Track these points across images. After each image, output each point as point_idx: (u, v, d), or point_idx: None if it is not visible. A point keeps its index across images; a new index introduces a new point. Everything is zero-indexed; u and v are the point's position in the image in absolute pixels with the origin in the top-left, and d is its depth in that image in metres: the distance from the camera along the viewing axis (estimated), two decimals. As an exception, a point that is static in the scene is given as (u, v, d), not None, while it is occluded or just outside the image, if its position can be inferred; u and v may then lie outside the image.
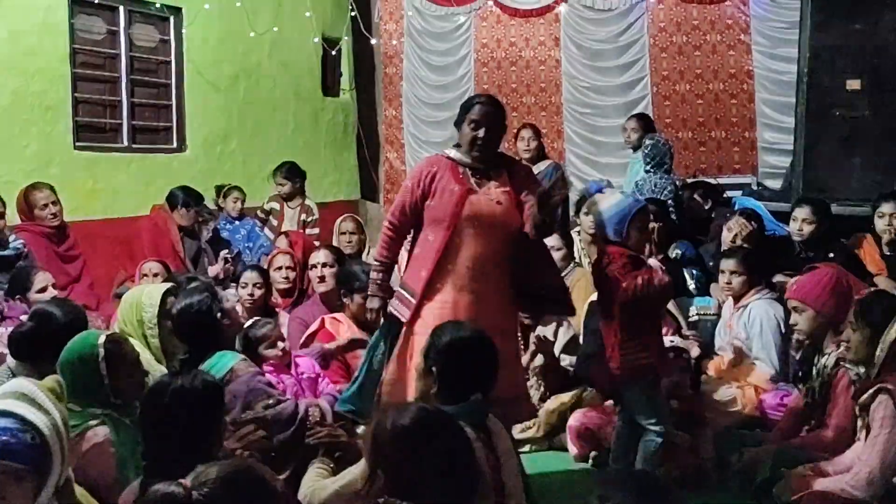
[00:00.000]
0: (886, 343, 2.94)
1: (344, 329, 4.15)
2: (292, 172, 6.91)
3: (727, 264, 4.68)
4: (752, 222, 5.23)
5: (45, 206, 5.33)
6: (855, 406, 3.06)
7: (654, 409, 3.54)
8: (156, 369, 3.46)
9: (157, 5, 6.86)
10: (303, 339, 4.38)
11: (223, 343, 3.52)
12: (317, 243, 6.03)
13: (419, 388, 2.68)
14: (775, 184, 7.45)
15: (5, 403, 2.08)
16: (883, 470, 2.86)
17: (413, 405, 2.18)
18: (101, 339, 2.93)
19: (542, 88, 8.89)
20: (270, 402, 3.31)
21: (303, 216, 6.87)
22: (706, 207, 6.27)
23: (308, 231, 6.79)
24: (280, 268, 5.28)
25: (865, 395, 2.93)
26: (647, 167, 6.07)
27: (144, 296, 3.78)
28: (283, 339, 4.00)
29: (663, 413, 3.58)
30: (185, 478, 2.03)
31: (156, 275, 4.97)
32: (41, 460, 2.09)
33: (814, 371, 3.57)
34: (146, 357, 3.47)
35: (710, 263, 5.32)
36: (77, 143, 6.31)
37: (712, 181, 7.05)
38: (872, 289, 3.61)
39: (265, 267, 5.33)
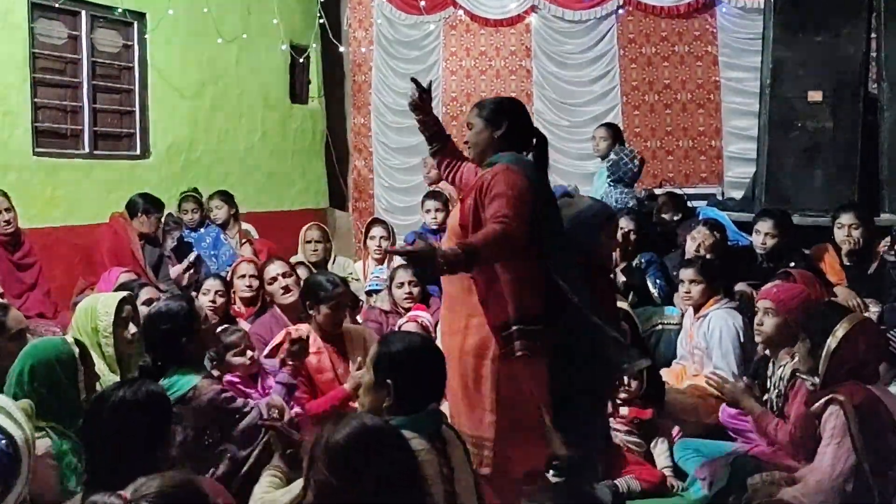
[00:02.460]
0: (827, 356, 2.96)
1: (310, 341, 4.09)
2: (229, 196, 6.79)
3: (686, 273, 4.71)
4: (715, 232, 5.27)
5: (-2, 212, 5.26)
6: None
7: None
8: (109, 379, 3.40)
9: (120, 10, 6.78)
10: (266, 350, 4.31)
11: (194, 354, 3.43)
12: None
13: (368, 402, 2.61)
14: (741, 194, 7.51)
15: (-17, 412, 2.10)
16: (832, 480, 2.87)
17: (354, 419, 2.12)
18: (71, 340, 2.91)
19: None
20: (237, 417, 3.29)
21: (245, 243, 6.67)
22: (675, 219, 6.30)
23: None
24: (244, 276, 5.21)
25: (817, 405, 2.95)
26: (609, 180, 6.10)
27: (100, 304, 3.70)
28: (252, 349, 3.95)
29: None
30: (125, 489, 2.00)
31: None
32: (10, 468, 2.16)
33: (769, 383, 3.60)
34: (100, 367, 3.41)
35: (674, 273, 5.35)
36: (36, 149, 6.21)
37: (678, 191, 7.10)
38: (820, 301, 3.64)
39: (229, 275, 5.28)
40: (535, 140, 3.21)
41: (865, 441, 2.84)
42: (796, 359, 3.41)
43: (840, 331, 2.98)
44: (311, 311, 4.11)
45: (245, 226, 6.91)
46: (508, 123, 3.15)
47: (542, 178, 3.17)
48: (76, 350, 2.89)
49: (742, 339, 4.41)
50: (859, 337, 2.99)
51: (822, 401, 2.93)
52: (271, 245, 6.63)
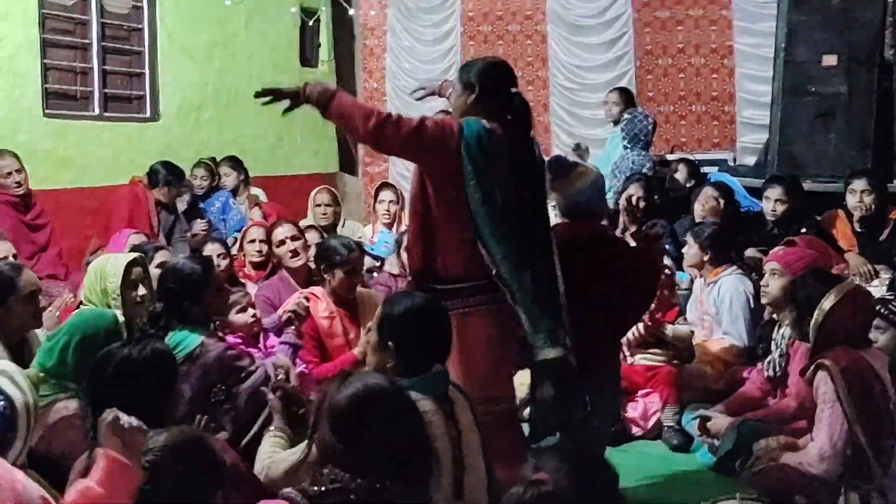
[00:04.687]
0: (814, 328, 2.96)
1: (322, 306, 4.09)
2: (238, 162, 6.77)
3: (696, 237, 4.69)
4: (720, 197, 5.24)
5: (9, 174, 5.26)
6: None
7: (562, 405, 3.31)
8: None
9: (130, -29, 6.75)
10: (278, 313, 4.30)
11: (198, 317, 3.41)
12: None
13: (373, 362, 2.61)
14: (754, 160, 7.45)
15: (-15, 374, 2.14)
16: (832, 445, 2.86)
17: (357, 379, 2.10)
18: (122, 320, 2.99)
19: (528, 63, 8.83)
20: (242, 375, 3.29)
21: (254, 207, 6.64)
22: (688, 185, 6.26)
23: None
24: (253, 241, 5.22)
25: (809, 372, 2.96)
26: (625, 143, 6.06)
27: (109, 265, 3.73)
28: (253, 307, 3.95)
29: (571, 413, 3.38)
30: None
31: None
32: (5, 432, 2.15)
33: (773, 345, 3.60)
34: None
35: (683, 239, 5.32)
36: (46, 111, 6.21)
37: (690, 157, 7.05)
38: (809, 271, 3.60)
39: (239, 239, 5.30)
40: (516, 106, 3.11)
41: (855, 405, 2.84)
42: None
43: (826, 304, 2.96)
44: (325, 276, 4.10)
45: (254, 190, 6.92)
46: (480, 88, 3.05)
47: (521, 144, 3.10)
48: (125, 332, 2.93)
49: (752, 306, 4.40)
50: (846, 308, 2.97)
51: (812, 367, 2.94)
52: (280, 209, 6.63)
